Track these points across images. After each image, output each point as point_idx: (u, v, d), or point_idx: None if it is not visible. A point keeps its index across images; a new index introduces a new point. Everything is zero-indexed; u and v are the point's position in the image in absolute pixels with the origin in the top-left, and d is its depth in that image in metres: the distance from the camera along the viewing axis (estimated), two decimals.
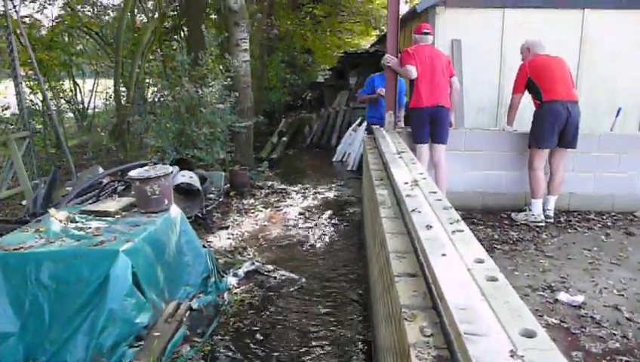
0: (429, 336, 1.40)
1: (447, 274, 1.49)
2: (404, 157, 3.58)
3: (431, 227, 1.96)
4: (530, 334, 1.13)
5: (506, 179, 5.53)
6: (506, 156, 5.47)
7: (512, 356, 1.05)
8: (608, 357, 2.78)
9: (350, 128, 10.01)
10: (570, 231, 4.94)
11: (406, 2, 16.55)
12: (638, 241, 4.65)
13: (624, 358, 2.77)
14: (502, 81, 7.87)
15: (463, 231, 1.90)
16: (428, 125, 5.19)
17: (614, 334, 3.02)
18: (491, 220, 5.23)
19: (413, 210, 2.20)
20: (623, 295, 3.54)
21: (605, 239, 4.69)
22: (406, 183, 2.73)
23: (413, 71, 5.11)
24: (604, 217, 5.30)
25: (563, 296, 3.47)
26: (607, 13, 7.66)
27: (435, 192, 2.50)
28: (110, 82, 11.73)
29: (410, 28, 9.29)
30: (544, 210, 5.15)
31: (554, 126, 4.95)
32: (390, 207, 2.73)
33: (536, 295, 3.53)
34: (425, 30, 5.36)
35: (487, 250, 1.67)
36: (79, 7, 11.05)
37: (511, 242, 4.60)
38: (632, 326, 3.12)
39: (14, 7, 6.85)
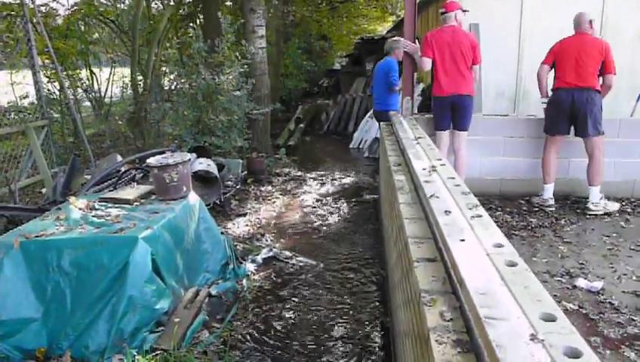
0: (448, 321, 1.40)
1: (466, 259, 1.49)
2: (422, 143, 3.56)
3: (449, 212, 1.95)
4: (550, 318, 1.13)
5: (525, 165, 5.48)
6: (524, 142, 5.41)
7: (532, 339, 1.05)
8: (627, 343, 2.76)
9: (367, 115, 9.97)
10: (589, 217, 4.87)
11: None
12: None
13: None
14: (520, 66, 7.74)
15: (481, 216, 1.88)
16: (449, 112, 5.16)
17: (633, 320, 2.99)
18: (509, 206, 5.19)
19: (431, 196, 2.19)
20: None
21: (625, 225, 4.63)
22: (424, 169, 2.72)
23: (427, 64, 5.11)
24: (624, 203, 5.22)
25: (582, 282, 3.44)
26: None
27: (453, 178, 2.48)
28: (126, 70, 11.78)
29: (427, 13, 9.19)
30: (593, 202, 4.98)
31: (557, 114, 4.95)
32: (408, 192, 2.72)
33: (554, 281, 3.51)
34: (443, 10, 5.23)
35: (505, 236, 1.66)
36: None
37: (529, 228, 4.57)
38: None
39: None
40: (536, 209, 5.08)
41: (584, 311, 3.10)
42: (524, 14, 7.59)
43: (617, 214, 4.91)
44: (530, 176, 5.48)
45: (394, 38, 6.57)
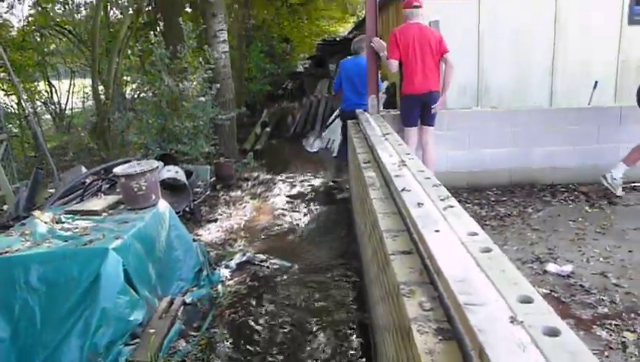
0: (428, 310, 1.41)
1: (442, 249, 1.50)
2: (390, 139, 3.59)
3: (422, 204, 1.97)
4: (527, 300, 1.15)
5: (490, 156, 5.58)
6: (489, 134, 5.51)
7: (511, 322, 1.07)
8: (598, 322, 2.84)
9: (333, 115, 9.99)
10: (554, 204, 5.00)
11: None
12: (621, 210, 4.73)
13: (613, 322, 2.83)
14: (480, 59, 7.89)
15: (454, 206, 1.91)
16: (419, 109, 5.20)
17: (603, 300, 3.08)
18: (478, 198, 5.28)
19: (403, 189, 2.21)
20: (609, 262, 3.60)
21: (589, 210, 4.76)
22: (394, 164, 2.74)
23: (394, 66, 5.14)
24: (587, 189, 5.37)
25: (552, 267, 3.52)
26: None
27: (423, 171, 2.51)
28: (86, 81, 11.55)
29: (388, 12, 9.29)
30: None
31: None
32: (379, 188, 2.74)
33: (526, 267, 3.58)
34: (414, 4, 5.19)
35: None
36: (50, 5, 10.84)
37: (498, 218, 4.65)
38: (618, 291, 3.19)
39: None
40: (504, 199, 5.19)
41: (556, 295, 3.17)
42: (482, 11, 7.76)
43: (580, 200, 5.05)
44: (496, 167, 5.59)
45: (360, 37, 6.52)
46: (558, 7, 7.80)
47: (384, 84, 9.16)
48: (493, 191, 5.41)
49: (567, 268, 3.50)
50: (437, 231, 1.66)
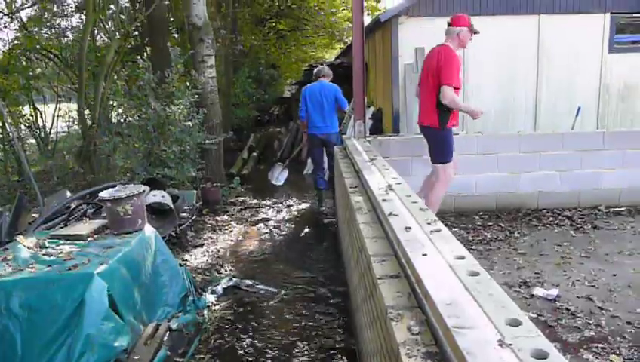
0: (416, 334, 1.41)
1: (430, 273, 1.51)
2: (377, 163, 3.62)
3: (409, 228, 1.99)
4: (515, 323, 1.16)
5: (476, 181, 5.64)
6: (475, 159, 5.58)
7: (500, 344, 1.07)
8: (585, 346, 2.85)
9: None
10: (540, 228, 5.05)
11: (368, 14, 16.78)
12: (605, 234, 4.79)
13: (599, 345, 2.84)
14: (465, 85, 8.03)
15: (440, 230, 1.93)
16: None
17: (589, 323, 3.10)
18: (464, 222, 5.32)
19: (390, 214, 2.22)
20: (594, 285, 3.64)
21: (574, 234, 4.82)
22: (380, 188, 2.76)
23: (454, 97, 4.53)
24: (572, 213, 5.44)
25: (538, 291, 3.55)
26: (561, 18, 7.94)
27: (409, 195, 2.53)
28: (72, 105, 11.49)
29: (374, 38, 9.44)
30: None
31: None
32: (367, 212, 2.75)
33: (512, 291, 3.60)
34: (448, 22, 4.75)
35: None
36: (36, 29, 10.84)
37: (485, 242, 4.69)
38: (604, 314, 3.22)
39: None
40: (490, 223, 5.23)
41: (543, 319, 3.18)
42: None
43: (565, 224, 5.11)
44: (482, 192, 5.64)
45: (322, 66, 6.96)
46: (541, 35, 8.01)
47: (370, 110, 9.27)
48: (480, 216, 5.46)
49: (554, 291, 3.52)
50: (424, 254, 1.67)
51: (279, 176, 7.78)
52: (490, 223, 5.24)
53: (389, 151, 5.50)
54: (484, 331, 1.14)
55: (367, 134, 5.72)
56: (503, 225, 5.17)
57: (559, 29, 7.95)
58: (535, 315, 3.23)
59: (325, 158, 6.84)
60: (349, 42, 14.76)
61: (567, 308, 3.30)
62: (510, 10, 7.87)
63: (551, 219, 5.32)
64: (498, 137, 5.72)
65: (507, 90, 8.19)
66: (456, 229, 5.07)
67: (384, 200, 2.50)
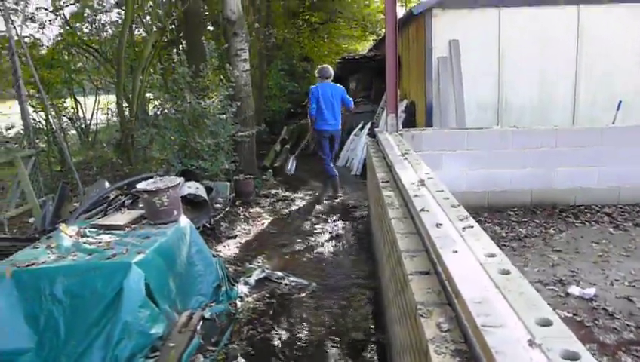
0: (446, 331, 1.42)
1: (460, 270, 1.52)
2: (409, 158, 3.61)
3: (441, 225, 1.99)
4: (546, 323, 1.15)
5: (511, 176, 5.55)
6: (510, 154, 5.49)
7: (530, 344, 1.07)
8: (623, 348, 2.79)
9: (352, 133, 10.03)
10: (577, 225, 4.94)
11: (402, 5, 16.60)
12: None
13: (639, 348, 2.77)
14: (501, 78, 7.90)
15: (472, 227, 1.92)
16: None
17: (628, 325, 3.02)
18: (498, 218, 5.25)
19: (422, 210, 2.22)
20: (634, 286, 3.55)
21: (613, 231, 4.70)
22: (413, 183, 2.76)
23: None
24: (611, 210, 5.30)
25: (574, 290, 3.48)
26: (601, 8, 7.69)
27: (442, 191, 2.52)
28: (110, 97, 11.78)
29: (407, 31, 9.35)
30: None
31: None
32: (398, 207, 2.75)
33: (547, 289, 3.54)
34: None
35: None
36: (78, 25, 11.13)
37: (519, 239, 4.62)
38: None
39: (15, 27, 6.92)
40: (525, 219, 5.14)
41: (578, 319, 3.13)
42: (502, 29, 7.77)
43: (604, 221, 4.98)
44: (516, 187, 5.55)
45: (325, 65, 7.52)
46: (580, 26, 7.78)
47: (403, 103, 9.20)
48: (514, 212, 5.37)
49: (591, 291, 3.45)
50: (455, 251, 1.67)
51: (291, 166, 8.32)
52: (525, 219, 5.16)
53: (422, 145, 5.46)
54: (513, 330, 1.14)
55: (400, 128, 5.69)
56: (538, 221, 5.08)
57: (600, 21, 7.70)
58: (570, 315, 3.18)
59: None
60: (382, 34, 14.65)
61: (604, 309, 3.23)
62: (547, 1, 7.67)
63: (589, 215, 5.20)
64: (534, 132, 5.60)
65: (544, 84, 7.99)
66: (489, 225, 5.01)
67: (416, 195, 2.50)
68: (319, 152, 7.49)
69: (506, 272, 1.46)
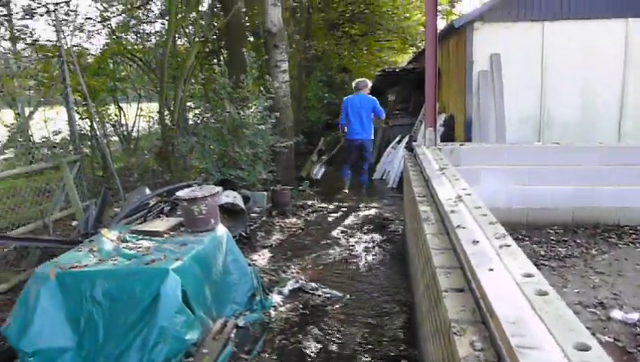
0: (479, 350, 1.40)
1: (495, 289, 1.50)
2: (447, 173, 3.58)
3: (477, 242, 1.97)
4: (584, 347, 1.13)
5: (551, 193, 5.42)
6: (551, 170, 5.37)
7: None
8: None
9: (389, 146, 10.00)
10: (621, 246, 4.79)
11: (442, 18, 16.52)
12: None
13: None
14: (543, 93, 7.76)
15: (510, 245, 1.89)
16: None
17: None
18: (537, 236, 5.13)
19: (458, 226, 2.20)
20: None
21: None
22: (449, 199, 2.74)
23: None
24: None
25: (616, 314, 3.37)
26: None
27: (479, 207, 2.49)
28: (151, 105, 12.11)
29: (447, 44, 9.30)
30: None
31: None
32: (434, 223, 2.73)
33: (587, 312, 3.44)
34: None
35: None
36: (123, 34, 11.51)
37: (558, 258, 4.50)
38: None
39: (65, 37, 7.20)
40: (566, 238, 5.01)
41: (620, 344, 3.02)
42: (546, 43, 7.65)
43: None
44: (557, 205, 5.42)
45: (362, 79, 8.09)
46: (629, 40, 7.58)
47: (442, 117, 9.13)
48: (554, 230, 5.25)
49: (634, 315, 3.33)
50: (491, 269, 1.65)
51: (317, 171, 9.09)
52: (566, 238, 5.03)
53: (460, 160, 5.40)
54: (549, 353, 1.12)
55: (438, 142, 5.64)
56: (579, 241, 4.95)
57: None
58: (612, 340, 3.07)
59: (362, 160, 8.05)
60: (421, 47, 14.59)
61: None
62: (593, 14, 7.51)
63: (633, 236, 5.03)
64: (577, 149, 5.46)
65: (588, 96, 7.81)
66: (527, 243, 4.90)
67: (452, 211, 2.48)
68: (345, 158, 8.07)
69: (544, 293, 1.43)
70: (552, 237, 5.08)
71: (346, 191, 8.01)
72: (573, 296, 3.68)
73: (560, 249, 4.74)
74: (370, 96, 7.62)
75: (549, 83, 7.72)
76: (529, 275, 1.57)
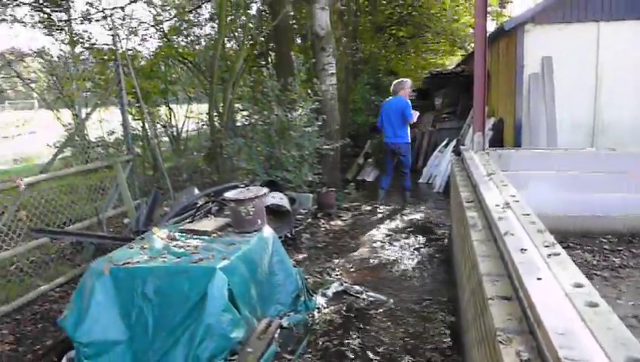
0: (526, 360, 1.38)
1: (543, 298, 1.48)
2: (495, 178, 3.52)
3: (525, 250, 1.94)
4: None
5: (603, 201, 5.24)
6: (604, 177, 5.18)
7: None
8: None
9: (436, 150, 9.89)
10: None
11: (492, 19, 16.17)
12: None
13: None
14: (597, 96, 7.50)
15: (559, 254, 1.86)
16: None
17: None
18: (589, 244, 4.97)
19: (506, 233, 2.17)
20: None
21: None
22: (497, 205, 2.70)
23: None
24: None
25: None
26: None
27: (528, 214, 2.44)
28: (201, 107, 12.40)
29: (497, 46, 9.12)
30: None
31: None
32: (481, 229, 2.70)
33: None
34: None
35: (585, 276, 1.62)
36: (175, 37, 11.85)
37: (612, 268, 4.35)
38: None
39: (120, 41, 7.50)
40: (620, 248, 4.83)
41: None
42: (601, 45, 7.39)
43: None
44: (610, 213, 5.23)
45: (400, 80, 7.90)
46: None
47: (491, 121, 8.96)
48: (608, 239, 5.07)
49: None
50: (539, 279, 1.63)
51: (369, 175, 9.06)
52: (620, 248, 4.84)
53: (509, 165, 5.29)
54: None
55: (487, 146, 5.55)
56: (634, 250, 4.76)
57: None
58: None
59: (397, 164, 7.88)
60: (470, 49, 14.35)
61: None
62: None
63: None
64: (633, 155, 5.26)
65: None
66: (579, 251, 4.76)
67: (500, 218, 2.44)
68: None
69: (594, 305, 1.40)
70: (605, 246, 4.91)
71: (378, 203, 7.75)
72: (628, 309, 3.55)
73: (614, 259, 4.57)
74: (403, 98, 7.46)
75: (603, 86, 7.46)
76: (579, 285, 1.54)
